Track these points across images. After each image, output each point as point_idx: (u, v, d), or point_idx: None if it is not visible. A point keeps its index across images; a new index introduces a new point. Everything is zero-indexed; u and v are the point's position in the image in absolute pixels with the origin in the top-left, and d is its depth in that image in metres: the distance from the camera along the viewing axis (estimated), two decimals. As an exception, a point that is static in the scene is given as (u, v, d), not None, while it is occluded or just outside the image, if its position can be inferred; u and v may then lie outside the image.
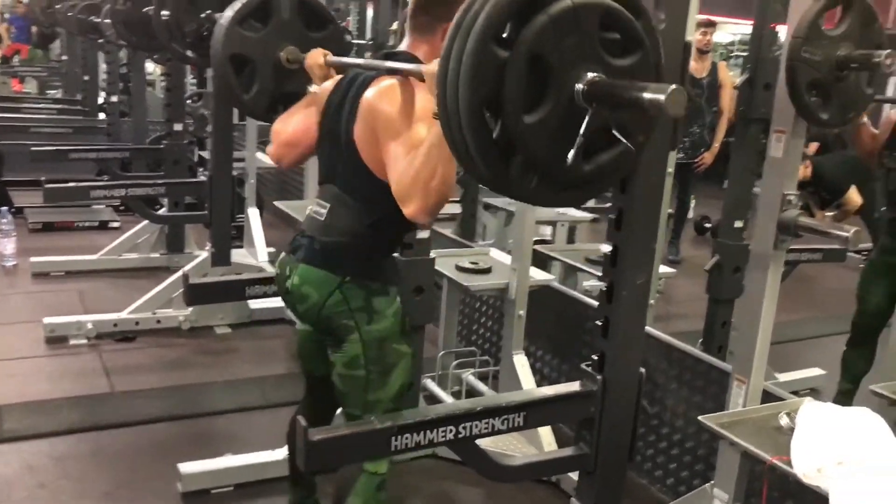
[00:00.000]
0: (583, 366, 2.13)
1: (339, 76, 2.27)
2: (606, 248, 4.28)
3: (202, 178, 5.02)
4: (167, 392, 3.61)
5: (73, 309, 4.41)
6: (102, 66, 7.67)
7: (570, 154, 1.36)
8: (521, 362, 3.29)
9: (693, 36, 6.21)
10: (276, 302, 4.41)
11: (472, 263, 3.50)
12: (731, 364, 3.09)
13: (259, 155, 5.34)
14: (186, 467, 2.87)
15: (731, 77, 6.65)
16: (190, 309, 4.26)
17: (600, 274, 3.72)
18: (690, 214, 7.12)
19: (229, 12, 2.61)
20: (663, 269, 4.13)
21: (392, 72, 2.00)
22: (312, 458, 1.76)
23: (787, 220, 2.18)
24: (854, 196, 5.48)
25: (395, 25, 6.63)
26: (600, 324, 2.09)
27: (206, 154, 6.20)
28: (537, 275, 3.41)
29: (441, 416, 1.89)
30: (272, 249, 5.29)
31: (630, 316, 2.06)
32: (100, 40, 6.76)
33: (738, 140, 3.64)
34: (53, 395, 3.50)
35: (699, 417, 2.23)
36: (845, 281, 6.04)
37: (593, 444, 2.10)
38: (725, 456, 2.38)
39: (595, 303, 3.54)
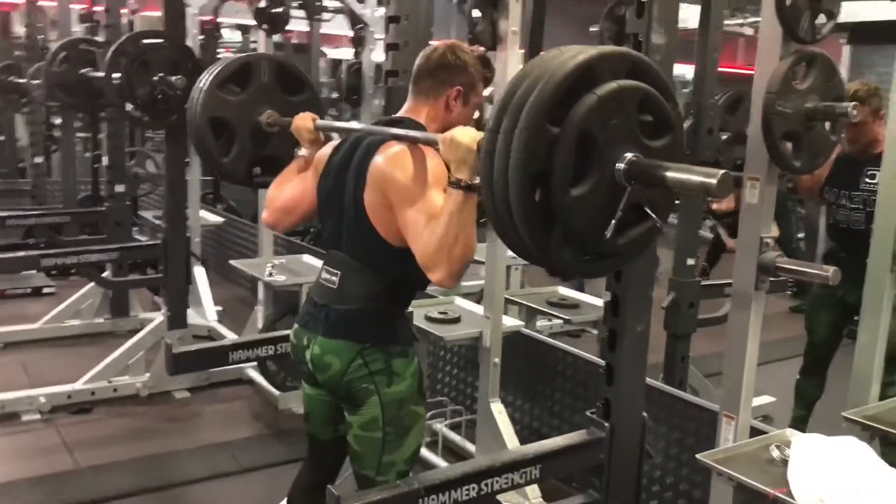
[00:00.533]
0: (588, 413, 2.19)
1: (337, 141, 2.30)
2: (564, 290, 4.39)
3: (143, 240, 4.95)
4: (136, 464, 3.49)
5: (20, 382, 4.23)
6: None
7: (610, 228, 1.43)
8: (499, 409, 3.32)
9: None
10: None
11: (442, 313, 3.53)
12: (696, 396, 3.23)
13: (203, 213, 5.29)
14: (175, 541, 2.80)
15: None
16: (147, 375, 4.16)
17: (565, 316, 3.89)
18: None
19: (208, 76, 2.62)
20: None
21: (398, 137, 2.03)
22: (346, 527, 1.77)
23: (766, 262, 2.31)
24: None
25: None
26: (603, 371, 2.15)
27: (145, 214, 6.12)
28: (507, 321, 3.47)
29: (465, 474, 1.94)
30: (220, 308, 5.22)
31: (632, 362, 2.14)
32: (23, 100, 6.60)
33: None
34: (14, 476, 3.34)
35: (697, 455, 2.28)
36: (778, 305, 6.35)
37: (604, 491, 2.16)
38: (718, 491, 2.45)
39: (563, 345, 3.65)
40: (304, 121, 2.40)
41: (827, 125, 2.29)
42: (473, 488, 1.93)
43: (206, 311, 5.03)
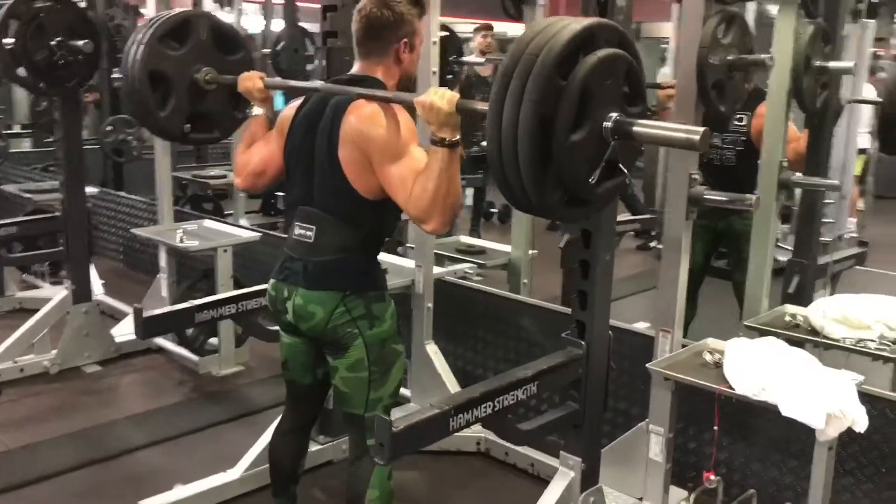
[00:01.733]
0: (563, 335, 2.47)
1: (299, 100, 2.39)
2: (466, 239, 4.65)
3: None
4: (71, 439, 3.42)
5: None
6: None
7: (595, 174, 1.70)
8: (434, 350, 3.56)
9: (476, 40, 6.78)
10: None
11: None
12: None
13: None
14: (148, 504, 2.82)
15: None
16: (54, 352, 4.02)
17: (479, 261, 4.16)
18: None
19: (147, 29, 2.61)
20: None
21: (368, 97, 2.16)
22: (396, 447, 1.95)
23: (695, 195, 2.66)
24: None
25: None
26: (577, 296, 2.43)
27: (9, 188, 5.75)
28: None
29: (483, 394, 2.17)
30: (104, 281, 5.07)
31: (602, 288, 2.43)
32: None
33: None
34: (-56, 464, 3.19)
35: (647, 365, 2.62)
36: (625, 244, 6.98)
37: (581, 400, 2.46)
38: (658, 395, 2.81)
39: (483, 286, 3.93)
40: (252, 81, 2.44)
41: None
42: (490, 405, 2.17)
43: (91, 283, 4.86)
